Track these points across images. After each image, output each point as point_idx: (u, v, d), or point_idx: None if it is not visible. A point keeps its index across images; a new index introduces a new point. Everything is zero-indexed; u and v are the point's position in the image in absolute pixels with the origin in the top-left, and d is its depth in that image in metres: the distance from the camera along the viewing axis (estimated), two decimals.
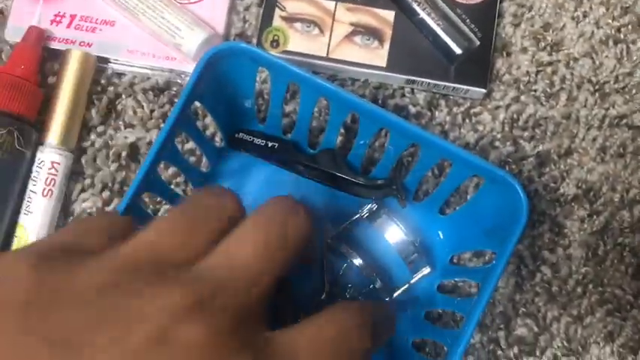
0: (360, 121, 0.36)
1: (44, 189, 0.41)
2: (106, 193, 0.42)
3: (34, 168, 0.41)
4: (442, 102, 0.45)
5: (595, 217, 0.44)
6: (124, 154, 0.43)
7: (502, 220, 0.35)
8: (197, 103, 0.38)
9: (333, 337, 0.21)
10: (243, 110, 0.40)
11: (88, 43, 0.44)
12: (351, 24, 0.44)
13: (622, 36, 0.46)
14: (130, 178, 0.43)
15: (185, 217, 0.23)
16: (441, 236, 0.42)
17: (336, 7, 0.44)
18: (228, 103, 0.39)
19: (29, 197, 0.41)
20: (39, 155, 0.41)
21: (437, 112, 0.44)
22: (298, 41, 0.43)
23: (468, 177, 0.37)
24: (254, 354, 0.19)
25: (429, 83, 0.43)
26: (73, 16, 0.45)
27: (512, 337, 0.42)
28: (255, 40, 0.44)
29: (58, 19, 0.45)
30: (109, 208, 0.42)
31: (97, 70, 0.44)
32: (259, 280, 0.21)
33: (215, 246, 0.22)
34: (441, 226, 0.42)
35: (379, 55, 0.43)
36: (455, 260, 0.42)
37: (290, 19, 0.44)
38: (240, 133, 0.42)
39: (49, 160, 0.41)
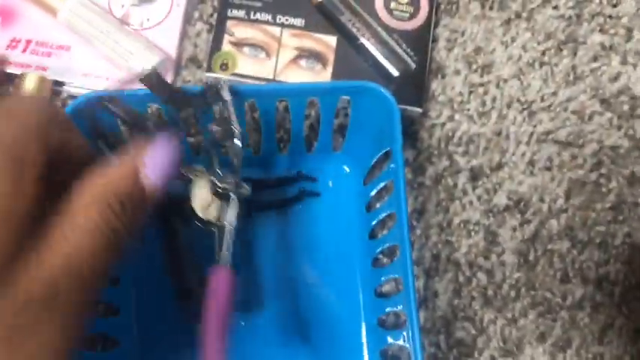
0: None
1: None
2: None
3: None
4: (333, 122, 0.48)
5: (526, 225, 0.47)
6: None
7: (381, 122, 0.39)
8: None
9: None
10: None
11: (43, 67, 0.46)
12: (296, 48, 0.47)
13: (546, 58, 0.50)
14: None
15: None
16: (347, 170, 0.46)
17: (282, 33, 0.47)
18: None
19: None
20: None
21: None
22: (246, 65, 0.46)
23: (336, 104, 0.41)
24: None
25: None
26: (28, 42, 0.46)
27: (452, 339, 0.45)
28: (205, 64, 0.47)
29: (13, 44, 0.46)
30: None
31: (53, 93, 0.46)
32: None
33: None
34: (343, 160, 0.46)
35: (323, 77, 0.46)
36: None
37: (238, 44, 0.46)
38: None
39: None
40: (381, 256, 0.44)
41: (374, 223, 0.43)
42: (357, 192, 0.46)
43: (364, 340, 0.42)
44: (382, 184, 0.43)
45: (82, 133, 0.26)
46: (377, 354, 0.41)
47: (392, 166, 0.38)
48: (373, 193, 0.44)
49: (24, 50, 0.46)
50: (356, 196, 0.45)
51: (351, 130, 0.44)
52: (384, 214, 0.43)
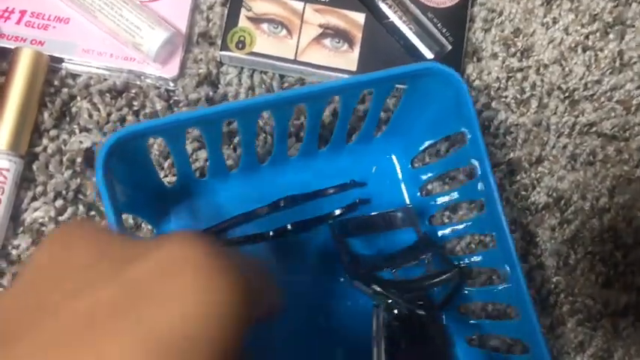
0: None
1: None
2: (59, 202, 0.39)
3: None
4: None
5: (565, 225, 0.43)
6: (78, 160, 0.40)
7: (444, 104, 0.36)
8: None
9: None
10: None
11: (39, 42, 0.41)
12: (320, 25, 0.42)
13: (591, 43, 0.46)
14: (85, 186, 0.40)
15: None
16: (392, 155, 0.43)
17: (304, 8, 0.42)
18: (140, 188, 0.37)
19: None
20: None
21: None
22: (265, 43, 0.41)
23: (390, 91, 0.37)
24: None
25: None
26: (23, 12, 0.42)
27: (486, 347, 0.41)
28: (219, 41, 0.42)
29: (6, 14, 0.42)
30: (62, 218, 0.40)
31: (50, 71, 0.41)
32: None
33: None
34: (386, 146, 0.42)
35: (349, 59, 0.42)
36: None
37: (256, 20, 0.42)
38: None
39: None
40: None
41: (438, 208, 0.41)
42: (405, 176, 0.42)
43: None
44: (448, 169, 0.40)
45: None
46: None
47: (470, 146, 0.35)
48: (427, 176, 0.41)
49: (18, 22, 0.42)
50: (404, 181, 0.42)
51: (400, 114, 0.40)
52: (446, 198, 0.40)
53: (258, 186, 0.40)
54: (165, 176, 0.41)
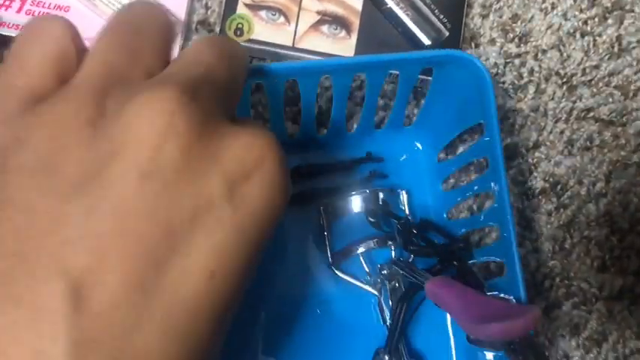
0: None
1: None
2: None
3: None
4: (410, 95, 0.44)
5: (562, 210, 0.44)
6: None
7: (467, 94, 0.36)
8: None
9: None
10: None
11: None
12: (318, 12, 0.42)
13: (589, 28, 0.46)
14: None
15: (125, 32, 0.21)
16: (419, 146, 0.43)
17: None
18: None
19: None
20: None
21: (409, 106, 0.43)
22: (263, 30, 0.42)
23: (416, 76, 0.37)
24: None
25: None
26: (23, 1, 0.42)
27: None
28: (218, 28, 0.42)
29: (7, 2, 0.42)
30: None
31: None
32: (228, 77, 0.22)
33: (164, 62, 0.21)
34: (414, 136, 0.42)
35: (347, 45, 0.42)
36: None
37: (255, 7, 0.42)
38: None
39: None
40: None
41: (459, 200, 0.41)
42: (430, 169, 0.42)
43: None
44: (469, 160, 0.40)
45: None
46: None
47: (486, 139, 0.35)
48: (455, 169, 0.41)
49: (18, 10, 0.42)
50: (430, 173, 0.42)
51: (428, 103, 0.40)
52: (470, 193, 0.40)
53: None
54: None
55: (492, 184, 0.35)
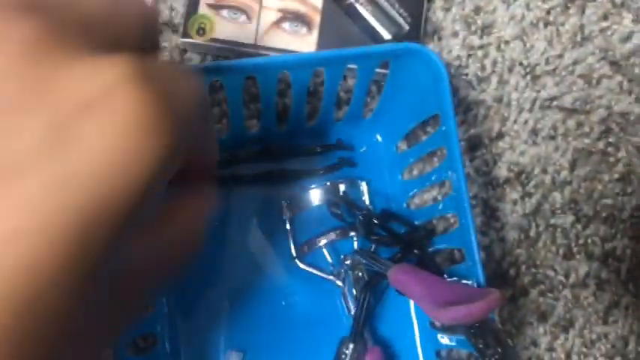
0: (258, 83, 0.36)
1: None
2: None
3: None
4: (374, 88, 0.44)
5: (527, 199, 0.44)
6: None
7: (424, 86, 0.36)
8: None
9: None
10: None
11: None
12: (279, 10, 0.43)
13: (551, 18, 0.46)
14: None
15: None
16: (379, 138, 0.43)
17: None
18: None
19: None
20: None
21: (368, 99, 0.44)
22: (225, 29, 0.42)
23: (375, 69, 0.37)
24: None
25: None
26: None
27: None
28: (181, 29, 0.43)
29: None
30: None
31: None
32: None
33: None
34: (374, 128, 0.43)
35: (308, 42, 0.43)
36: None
37: (216, 7, 0.43)
38: None
39: None
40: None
41: (415, 191, 0.42)
42: (390, 160, 0.43)
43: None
44: (428, 151, 0.41)
45: None
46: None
47: (443, 129, 0.35)
48: (413, 160, 0.42)
49: None
50: (390, 164, 0.43)
51: (386, 96, 0.40)
52: (429, 182, 0.40)
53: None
54: None
55: (450, 173, 0.36)
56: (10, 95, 0.15)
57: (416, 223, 0.41)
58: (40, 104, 0.15)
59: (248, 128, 0.42)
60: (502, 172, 0.44)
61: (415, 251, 0.38)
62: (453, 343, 0.38)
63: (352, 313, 0.39)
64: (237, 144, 0.41)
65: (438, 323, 0.39)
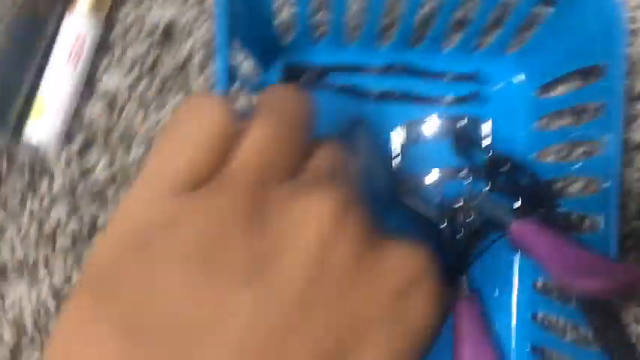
0: None
1: (69, 59, 0.37)
2: (134, 72, 0.39)
3: (60, 35, 0.38)
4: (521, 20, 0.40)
5: None
6: (158, 31, 0.39)
7: (590, 30, 0.33)
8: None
9: None
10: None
11: None
12: None
13: None
14: (162, 59, 0.39)
15: (276, 122, 0.20)
16: (522, 78, 0.40)
17: None
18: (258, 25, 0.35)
19: (52, 66, 0.38)
20: (66, 22, 0.38)
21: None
22: None
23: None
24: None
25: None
26: None
27: None
28: None
29: None
30: (138, 89, 0.39)
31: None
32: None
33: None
34: (521, 67, 0.39)
35: None
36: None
37: None
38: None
39: (77, 28, 0.38)
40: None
41: (549, 144, 0.38)
42: (527, 104, 0.39)
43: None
44: (576, 103, 0.37)
45: None
46: None
47: (605, 83, 0.32)
48: (554, 109, 0.38)
49: None
50: (525, 108, 0.39)
51: (542, 33, 0.37)
52: (569, 138, 0.37)
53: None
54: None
55: (601, 133, 0.33)
56: (360, 275, 0.18)
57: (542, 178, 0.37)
58: (377, 285, 0.18)
59: (379, 40, 0.39)
60: (636, 135, 0.40)
61: (539, 209, 0.35)
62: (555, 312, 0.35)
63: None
64: (365, 56, 0.39)
65: (547, 286, 0.36)
